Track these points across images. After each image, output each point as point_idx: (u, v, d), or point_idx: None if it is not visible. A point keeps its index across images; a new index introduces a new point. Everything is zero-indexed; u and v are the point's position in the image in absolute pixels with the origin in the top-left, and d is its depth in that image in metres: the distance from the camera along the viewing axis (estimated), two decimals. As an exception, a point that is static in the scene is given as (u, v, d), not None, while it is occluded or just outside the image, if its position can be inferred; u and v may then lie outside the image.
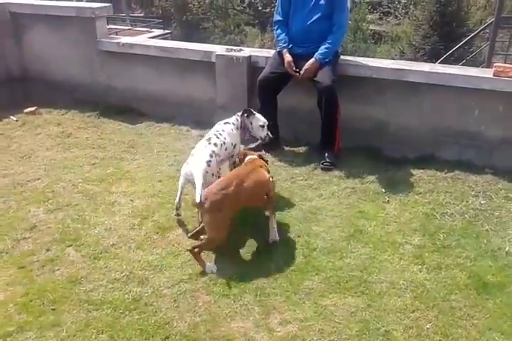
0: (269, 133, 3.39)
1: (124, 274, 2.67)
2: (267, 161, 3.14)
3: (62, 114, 4.80)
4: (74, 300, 2.51)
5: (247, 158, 3.05)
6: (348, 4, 3.92)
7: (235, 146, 3.27)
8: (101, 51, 4.82)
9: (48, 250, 2.88)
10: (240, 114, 3.35)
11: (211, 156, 3.02)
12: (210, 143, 3.11)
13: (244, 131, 3.36)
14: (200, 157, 3.01)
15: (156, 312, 2.44)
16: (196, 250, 2.69)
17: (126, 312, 2.43)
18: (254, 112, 3.37)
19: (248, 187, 2.78)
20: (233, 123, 3.31)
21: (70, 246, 2.91)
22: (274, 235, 2.92)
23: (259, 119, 3.36)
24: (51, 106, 4.88)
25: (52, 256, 2.82)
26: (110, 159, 3.96)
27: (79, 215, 3.20)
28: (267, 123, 3.38)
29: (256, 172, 2.89)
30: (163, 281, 2.62)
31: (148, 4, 23.56)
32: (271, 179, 2.95)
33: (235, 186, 2.73)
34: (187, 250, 2.74)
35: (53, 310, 2.45)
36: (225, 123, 3.32)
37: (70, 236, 2.99)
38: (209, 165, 2.97)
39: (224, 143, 3.17)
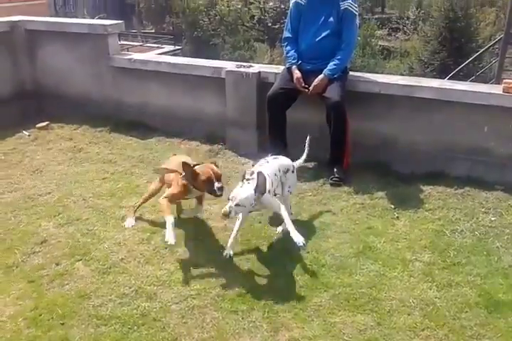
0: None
1: (132, 289, 2.68)
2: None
3: (74, 129, 4.86)
4: (83, 314, 2.51)
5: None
6: (357, 21, 3.96)
7: None
8: (113, 67, 4.91)
9: (57, 264, 2.89)
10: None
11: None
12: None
13: None
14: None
15: (164, 327, 2.43)
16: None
17: (135, 328, 2.42)
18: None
19: None
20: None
21: (80, 260, 2.93)
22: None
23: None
24: (63, 121, 4.96)
25: (62, 271, 2.84)
26: (120, 174, 4.00)
27: (89, 229, 3.23)
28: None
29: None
30: (172, 297, 2.62)
31: (159, 20, 23.98)
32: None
33: None
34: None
35: (62, 324, 2.45)
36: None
37: (79, 251, 3.01)
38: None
39: None
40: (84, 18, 16.53)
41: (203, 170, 2.86)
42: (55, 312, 2.52)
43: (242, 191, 2.74)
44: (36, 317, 2.49)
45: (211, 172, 2.84)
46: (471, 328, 2.41)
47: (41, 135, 4.78)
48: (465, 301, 2.58)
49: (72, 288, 2.70)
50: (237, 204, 2.71)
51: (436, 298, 2.60)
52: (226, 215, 2.72)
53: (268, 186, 2.82)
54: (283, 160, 3.22)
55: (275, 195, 2.99)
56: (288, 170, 3.18)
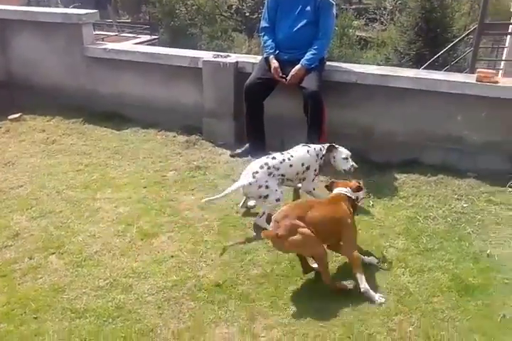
0: (353, 164, 3.29)
1: (107, 282, 2.65)
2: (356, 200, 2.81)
3: (47, 121, 4.77)
4: (57, 308, 2.48)
5: (335, 190, 2.79)
6: (334, 11, 3.96)
7: (308, 168, 3.25)
8: (87, 57, 4.81)
9: (30, 258, 2.85)
10: (325, 146, 3.31)
11: (261, 168, 3.09)
12: (268, 157, 3.21)
13: (326, 163, 3.34)
14: (249, 168, 3.15)
15: (139, 319, 2.42)
16: (328, 282, 2.54)
17: (110, 320, 2.41)
18: (337, 146, 3.31)
19: (315, 217, 2.54)
20: (314, 149, 3.30)
21: (53, 253, 2.89)
22: (362, 284, 2.55)
23: (342, 152, 3.29)
24: (36, 113, 4.86)
25: (35, 264, 2.79)
26: (95, 165, 3.94)
27: (62, 222, 3.18)
28: (350, 154, 3.31)
29: (332, 205, 2.67)
30: (147, 288, 2.61)
31: (135, 10, 23.58)
32: (349, 219, 2.64)
33: (301, 211, 2.55)
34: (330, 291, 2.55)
35: (35, 318, 2.42)
36: (303, 145, 3.35)
37: (53, 244, 2.97)
38: (253, 177, 3.06)
39: (288, 159, 3.19)
40: (58, 7, 16.15)
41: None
42: (27, 307, 2.48)
43: None
44: (8, 312, 2.45)
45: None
46: (443, 311, 2.47)
47: (13, 127, 4.68)
48: (437, 286, 2.63)
49: (46, 281, 2.67)
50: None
51: (409, 282, 2.65)
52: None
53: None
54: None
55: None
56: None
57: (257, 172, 3.09)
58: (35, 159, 4.06)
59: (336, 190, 2.79)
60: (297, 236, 2.46)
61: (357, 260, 2.60)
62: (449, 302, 2.52)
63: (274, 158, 3.20)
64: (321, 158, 3.30)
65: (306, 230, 2.47)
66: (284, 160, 3.19)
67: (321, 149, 3.31)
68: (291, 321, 2.41)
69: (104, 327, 2.37)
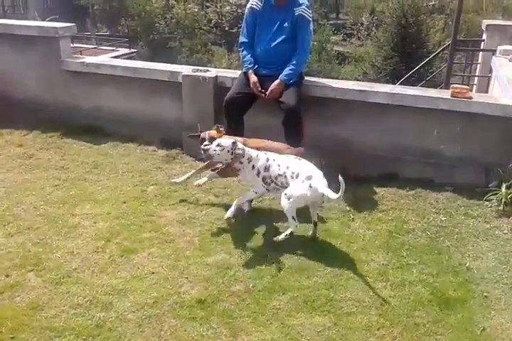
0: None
1: (87, 299, 2.61)
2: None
3: (24, 135, 4.70)
4: (35, 327, 2.43)
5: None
6: (311, 27, 4.03)
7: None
8: (65, 71, 4.78)
9: (7, 276, 2.78)
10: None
11: None
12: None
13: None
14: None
15: (120, 337, 2.38)
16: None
17: (90, 339, 2.37)
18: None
19: None
20: None
21: (31, 271, 2.82)
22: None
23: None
24: (12, 127, 4.78)
25: (12, 282, 2.73)
26: (73, 180, 3.89)
27: (40, 239, 3.12)
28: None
29: None
30: (128, 306, 2.57)
31: (114, 23, 23.53)
32: None
33: None
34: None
35: (12, 338, 2.36)
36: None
37: (30, 261, 2.90)
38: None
39: None
40: (35, 20, 16.02)
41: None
42: (4, 326, 2.42)
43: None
44: (-16, 332, 2.38)
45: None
46: (424, 325, 2.49)
47: (-11, 141, 4.59)
48: (418, 299, 2.66)
49: (24, 299, 2.61)
50: (218, 145, 3.06)
51: (390, 297, 2.67)
52: (205, 150, 3.07)
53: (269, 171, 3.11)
54: (307, 171, 3.08)
55: (269, 182, 3.14)
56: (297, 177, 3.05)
57: None
58: (11, 174, 3.99)
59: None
60: None
61: None
62: (430, 315, 2.55)
63: None
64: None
65: None
66: None
67: None
68: (274, 337, 2.40)
69: (84, 346, 2.32)
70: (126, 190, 3.75)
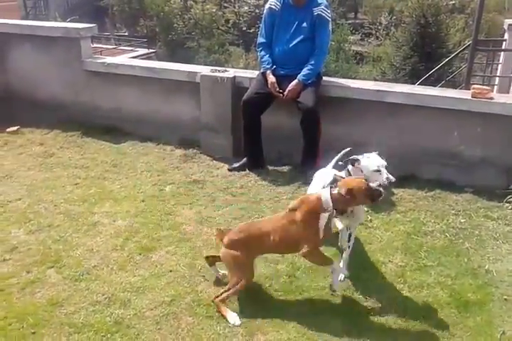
0: (389, 176, 2.81)
1: (105, 296, 2.64)
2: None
3: (45, 134, 4.78)
4: (55, 323, 2.46)
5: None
6: (330, 27, 4.02)
7: None
8: (85, 71, 4.84)
9: (28, 272, 2.83)
10: (349, 167, 2.90)
11: None
12: None
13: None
14: None
15: (138, 334, 2.40)
16: (219, 299, 2.52)
17: (108, 335, 2.39)
18: (358, 158, 2.84)
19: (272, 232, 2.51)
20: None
21: (51, 267, 2.87)
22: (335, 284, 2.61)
23: (370, 164, 2.81)
24: (34, 126, 4.86)
25: (33, 278, 2.78)
26: (93, 179, 3.94)
27: (60, 236, 3.17)
28: (384, 164, 2.83)
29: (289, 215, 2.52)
30: (146, 303, 2.59)
31: (133, 23, 23.77)
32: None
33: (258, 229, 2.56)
34: (212, 301, 2.54)
35: (33, 333, 2.40)
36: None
37: (51, 258, 2.95)
38: None
39: None
40: (56, 20, 16.28)
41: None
42: (25, 321, 2.46)
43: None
44: (6, 327, 2.43)
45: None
46: (442, 328, 2.46)
47: (11, 140, 4.68)
48: (436, 301, 2.63)
49: (44, 296, 2.65)
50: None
51: (408, 299, 2.65)
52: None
53: None
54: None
55: None
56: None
57: None
58: (32, 172, 4.06)
59: None
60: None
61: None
62: (448, 318, 2.52)
63: None
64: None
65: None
66: None
67: (348, 171, 2.89)
68: (290, 337, 2.40)
69: (102, 342, 2.35)
70: (145, 188, 3.79)
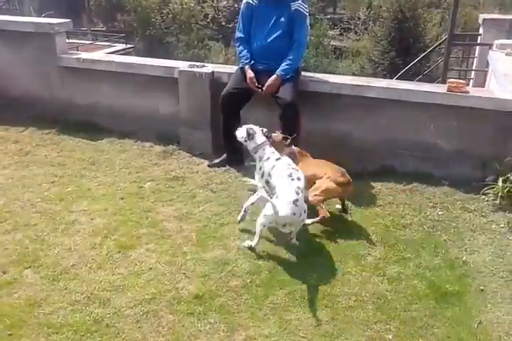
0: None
1: (84, 295, 2.61)
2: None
3: (20, 131, 4.68)
4: (33, 323, 2.43)
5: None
6: (308, 22, 4.01)
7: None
8: (61, 67, 4.75)
9: (4, 272, 2.78)
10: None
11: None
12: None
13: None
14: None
15: (118, 333, 2.39)
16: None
17: (88, 335, 2.37)
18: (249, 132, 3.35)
19: None
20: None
21: (29, 267, 2.82)
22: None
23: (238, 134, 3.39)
24: (8, 124, 4.75)
25: (10, 279, 2.73)
26: (70, 177, 3.88)
27: (37, 235, 3.11)
28: (242, 132, 3.36)
29: None
30: (126, 302, 2.57)
31: (110, 18, 23.42)
32: None
33: None
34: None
35: (10, 335, 2.37)
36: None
37: (28, 258, 2.90)
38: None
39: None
40: (31, 15, 15.94)
41: None
42: (2, 323, 2.42)
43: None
44: (-18, 329, 2.39)
45: None
46: (421, 319, 2.50)
47: (-15, 138, 4.58)
48: (415, 293, 2.67)
49: (21, 296, 2.61)
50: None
51: (387, 291, 2.68)
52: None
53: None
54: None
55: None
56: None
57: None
58: (8, 171, 3.98)
59: None
60: None
61: None
62: (426, 309, 2.56)
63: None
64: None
65: None
66: None
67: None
68: (272, 332, 2.41)
69: (82, 342, 2.33)
70: (123, 186, 3.75)
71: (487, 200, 3.54)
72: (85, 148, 4.38)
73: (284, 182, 3.00)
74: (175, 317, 2.48)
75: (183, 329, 2.41)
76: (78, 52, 5.74)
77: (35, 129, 4.69)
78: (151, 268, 2.83)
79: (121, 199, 3.56)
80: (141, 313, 2.50)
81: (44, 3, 22.35)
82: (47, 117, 4.73)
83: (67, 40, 5.54)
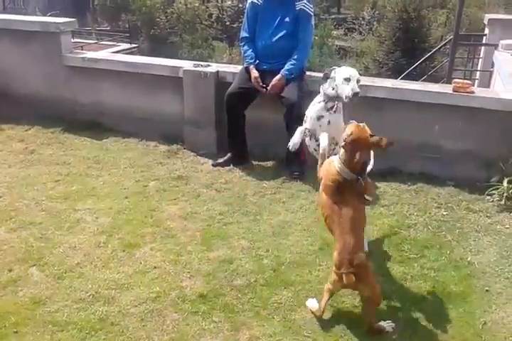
0: (354, 87, 3.00)
1: (89, 294, 2.61)
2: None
3: (26, 130, 4.69)
4: (38, 321, 2.44)
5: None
6: (313, 21, 4.02)
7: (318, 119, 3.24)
8: (66, 66, 4.77)
9: (10, 270, 2.79)
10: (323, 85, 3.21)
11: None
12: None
13: (330, 98, 3.17)
14: None
15: (122, 331, 2.39)
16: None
17: (92, 333, 2.37)
18: (334, 68, 3.11)
19: None
20: (320, 96, 3.28)
21: (34, 265, 2.83)
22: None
23: (343, 71, 3.03)
24: (13, 122, 4.77)
25: (15, 277, 2.74)
26: (75, 176, 3.89)
27: (42, 234, 3.12)
28: (356, 75, 3.04)
29: None
30: (130, 300, 2.58)
31: (115, 18, 23.48)
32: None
33: None
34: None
35: (15, 332, 2.37)
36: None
37: (33, 256, 2.91)
38: None
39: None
40: (36, 15, 15.99)
41: None
42: (7, 321, 2.42)
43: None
44: (-13, 327, 2.39)
45: None
46: (425, 320, 2.49)
47: (-10, 136, 4.59)
48: (419, 293, 2.67)
49: (26, 294, 2.61)
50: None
51: (391, 291, 2.67)
52: None
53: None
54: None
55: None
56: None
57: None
58: (13, 169, 3.99)
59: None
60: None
61: None
62: (431, 310, 2.55)
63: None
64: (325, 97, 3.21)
65: None
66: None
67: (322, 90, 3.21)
68: (276, 331, 2.41)
69: (87, 340, 2.33)
70: (128, 185, 3.75)
71: (492, 201, 3.53)
72: (90, 147, 4.39)
73: None
74: (179, 316, 2.48)
75: (187, 328, 2.42)
76: (83, 51, 5.76)
77: (40, 128, 4.70)
78: (155, 267, 2.83)
79: (126, 198, 3.56)
80: (145, 312, 2.51)
81: (49, 3, 22.44)
82: (52, 116, 4.74)
83: (72, 40, 5.57)
